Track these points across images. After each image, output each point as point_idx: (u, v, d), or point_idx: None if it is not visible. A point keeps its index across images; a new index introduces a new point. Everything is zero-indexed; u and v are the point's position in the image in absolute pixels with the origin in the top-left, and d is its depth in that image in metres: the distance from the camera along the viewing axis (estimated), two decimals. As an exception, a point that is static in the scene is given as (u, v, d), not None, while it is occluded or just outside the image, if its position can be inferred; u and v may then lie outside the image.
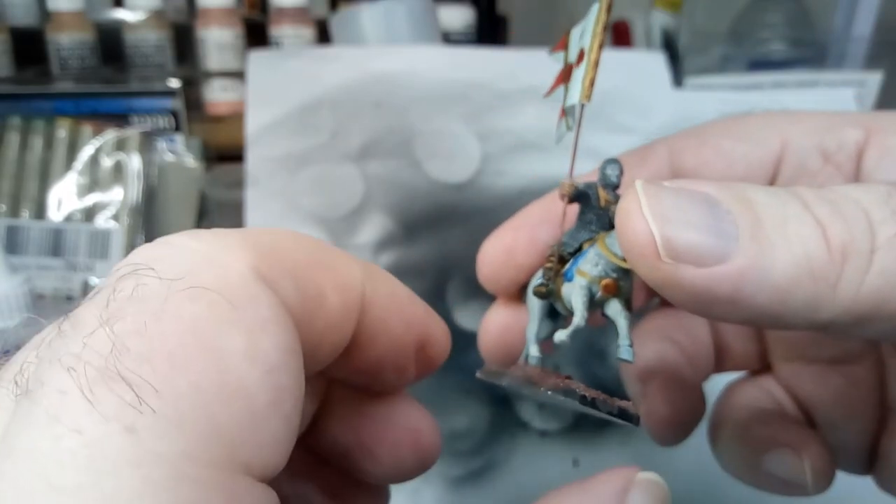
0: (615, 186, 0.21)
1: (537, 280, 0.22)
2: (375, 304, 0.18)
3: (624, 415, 0.19)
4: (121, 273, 0.14)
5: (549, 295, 0.21)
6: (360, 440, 0.21)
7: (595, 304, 0.20)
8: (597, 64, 0.19)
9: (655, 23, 0.81)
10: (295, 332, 0.15)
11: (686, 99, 0.53)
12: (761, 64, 0.72)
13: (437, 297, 0.47)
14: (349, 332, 0.17)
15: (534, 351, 0.21)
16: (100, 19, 0.76)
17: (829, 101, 0.55)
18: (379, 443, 0.21)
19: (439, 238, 0.47)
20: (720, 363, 0.28)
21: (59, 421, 0.12)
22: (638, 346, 0.21)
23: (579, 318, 0.20)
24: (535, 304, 0.22)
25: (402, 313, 0.19)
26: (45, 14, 0.73)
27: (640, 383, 0.26)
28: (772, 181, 0.24)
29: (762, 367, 0.28)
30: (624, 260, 0.19)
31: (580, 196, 0.21)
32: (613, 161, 0.22)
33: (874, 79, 0.60)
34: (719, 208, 0.16)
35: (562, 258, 0.21)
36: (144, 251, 0.15)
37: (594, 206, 0.21)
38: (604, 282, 0.20)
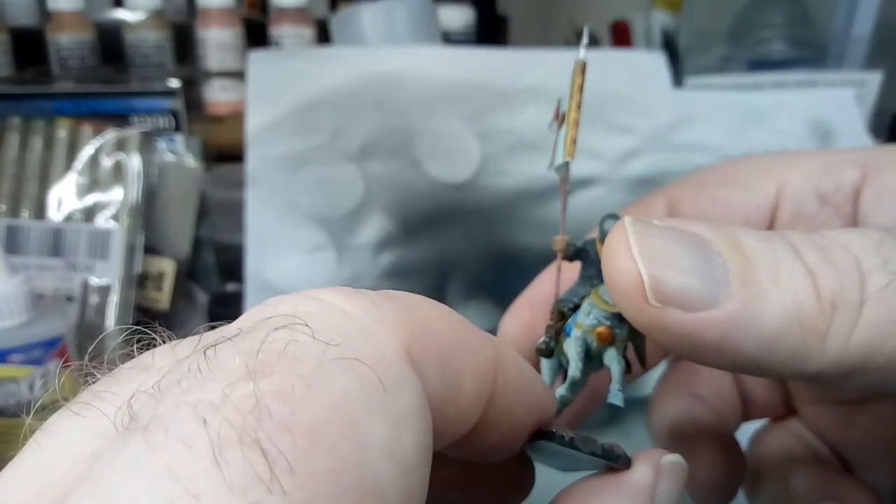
0: None
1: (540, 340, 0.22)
2: (503, 390, 0.17)
3: (609, 455, 0.18)
4: (274, 323, 0.13)
5: (552, 353, 0.21)
6: (465, 498, 0.20)
7: (592, 355, 0.20)
8: (576, 123, 0.20)
9: (655, 23, 0.81)
10: (431, 426, 0.13)
11: (686, 99, 0.53)
12: (761, 64, 0.72)
13: (436, 298, 0.47)
14: (476, 419, 0.16)
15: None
16: (100, 19, 0.76)
17: (829, 101, 0.55)
18: (485, 497, 0.20)
19: (439, 238, 0.47)
20: (746, 412, 0.27)
21: (175, 478, 0.10)
22: (662, 406, 0.22)
23: (573, 369, 0.20)
24: (544, 365, 0.22)
25: (526, 397, 0.18)
26: (45, 14, 0.73)
27: (675, 447, 0.25)
28: (769, 227, 0.24)
29: (787, 411, 0.27)
30: (607, 304, 0.20)
31: (579, 253, 0.22)
32: (613, 216, 0.21)
33: (874, 79, 0.60)
34: (710, 251, 0.16)
35: (562, 314, 0.21)
36: (293, 303, 0.14)
37: (594, 261, 0.21)
38: (597, 330, 0.20)
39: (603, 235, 0.21)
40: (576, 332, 0.20)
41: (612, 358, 0.20)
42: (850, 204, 0.23)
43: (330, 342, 0.12)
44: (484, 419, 0.16)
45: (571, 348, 0.20)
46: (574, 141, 0.20)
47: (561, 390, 0.20)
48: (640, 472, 0.17)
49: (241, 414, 0.11)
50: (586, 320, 0.20)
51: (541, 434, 0.18)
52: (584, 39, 0.20)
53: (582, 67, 0.20)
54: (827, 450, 0.26)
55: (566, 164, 0.20)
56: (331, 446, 0.11)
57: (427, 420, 0.13)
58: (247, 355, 0.12)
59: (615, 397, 0.20)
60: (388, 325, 0.14)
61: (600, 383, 0.24)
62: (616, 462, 0.18)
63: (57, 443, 0.12)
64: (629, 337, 0.20)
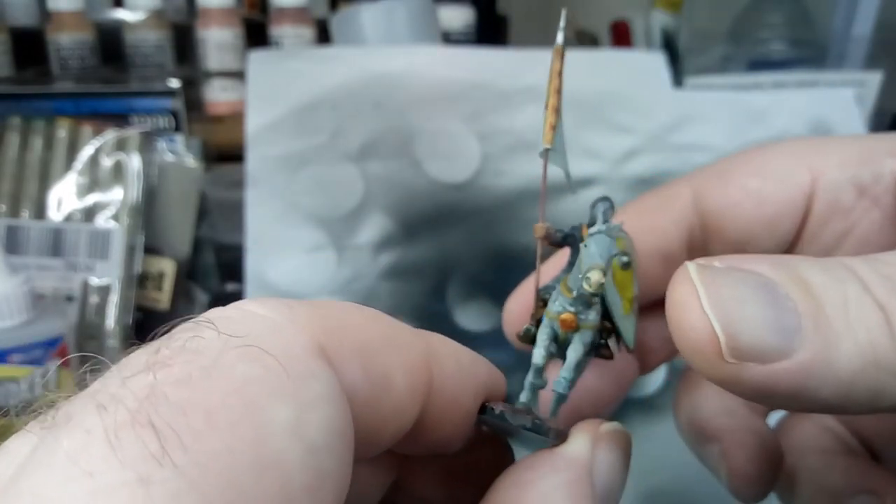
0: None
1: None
2: (442, 382, 0.17)
3: (538, 428, 0.18)
4: (184, 326, 0.14)
5: (533, 339, 0.21)
6: (448, 492, 0.20)
7: (560, 342, 0.20)
8: (555, 109, 0.19)
9: (655, 23, 0.81)
10: (348, 415, 0.14)
11: (686, 99, 0.53)
12: (761, 64, 0.72)
13: (437, 297, 0.47)
14: (414, 415, 0.16)
15: (523, 397, 0.21)
16: (100, 19, 0.76)
17: (829, 100, 0.55)
18: (466, 489, 0.20)
19: (439, 238, 0.47)
20: None
21: (75, 462, 0.11)
22: (691, 399, 0.22)
23: (535, 355, 0.20)
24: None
25: (470, 383, 0.18)
26: (45, 14, 0.73)
27: (711, 442, 0.24)
28: (803, 220, 0.23)
29: None
30: (571, 291, 0.20)
31: (566, 238, 0.22)
32: (604, 199, 0.21)
33: (874, 79, 0.60)
34: (778, 294, 0.15)
35: (544, 302, 0.21)
36: (212, 311, 0.14)
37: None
38: (561, 317, 0.20)
39: (593, 220, 0.21)
40: (545, 320, 0.21)
41: (574, 345, 0.20)
42: (890, 196, 0.22)
43: (235, 337, 0.13)
44: (429, 411, 0.17)
45: (539, 335, 0.20)
46: (553, 127, 0.20)
47: (529, 377, 0.20)
48: (576, 444, 0.17)
49: (138, 401, 0.12)
50: (553, 307, 0.20)
51: (481, 410, 0.19)
52: (562, 22, 0.20)
53: (560, 52, 0.20)
54: (856, 441, 0.26)
55: (546, 151, 0.20)
56: (228, 426, 0.12)
57: (340, 408, 0.14)
58: (150, 352, 0.13)
59: (560, 385, 0.20)
60: (299, 324, 0.14)
61: (627, 369, 0.24)
62: (546, 435, 0.18)
63: (4, 458, 0.13)
64: (601, 325, 0.21)
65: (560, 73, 0.20)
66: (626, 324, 0.21)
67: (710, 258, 0.16)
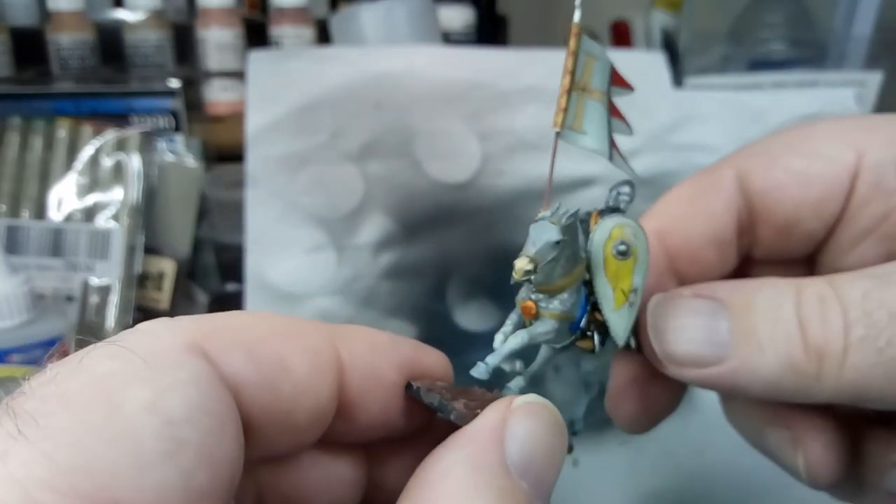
0: (622, 210, 0.22)
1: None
2: (353, 360, 0.19)
3: (443, 408, 0.18)
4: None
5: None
6: None
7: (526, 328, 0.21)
8: (567, 91, 0.19)
9: (655, 23, 0.81)
10: (221, 395, 0.16)
11: (686, 99, 0.53)
12: (761, 64, 0.72)
13: (437, 297, 0.47)
14: (327, 394, 0.18)
15: (475, 373, 0.21)
16: (100, 19, 0.76)
17: (829, 101, 0.55)
18: None
19: (439, 238, 0.47)
20: None
21: None
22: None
23: (496, 339, 0.21)
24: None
25: (385, 360, 0.19)
26: (45, 14, 0.73)
27: (777, 428, 0.24)
28: (847, 199, 0.23)
29: None
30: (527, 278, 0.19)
31: (568, 226, 0.20)
32: (625, 183, 0.22)
33: (874, 79, 0.60)
34: (720, 316, 0.20)
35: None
36: (120, 334, 0.16)
37: (580, 234, 0.21)
38: (523, 304, 0.20)
39: (608, 205, 0.22)
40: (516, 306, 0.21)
41: (517, 333, 0.21)
42: None
43: (107, 343, 0.15)
44: (348, 389, 0.18)
45: (508, 319, 0.21)
46: (563, 109, 0.19)
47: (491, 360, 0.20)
48: (482, 420, 0.18)
49: (10, 398, 0.14)
50: (520, 293, 0.21)
51: (407, 388, 0.19)
52: (578, 0, 0.19)
53: (576, 31, 0.19)
54: None
55: (557, 133, 0.20)
56: (81, 406, 0.14)
57: (208, 389, 0.15)
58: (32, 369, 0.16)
59: (477, 369, 0.20)
60: (175, 330, 0.16)
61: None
62: (447, 415, 0.18)
63: None
64: (591, 317, 0.21)
65: (575, 53, 0.19)
66: (617, 318, 0.21)
67: (680, 289, 0.22)
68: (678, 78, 0.56)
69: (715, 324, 0.20)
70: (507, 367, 0.21)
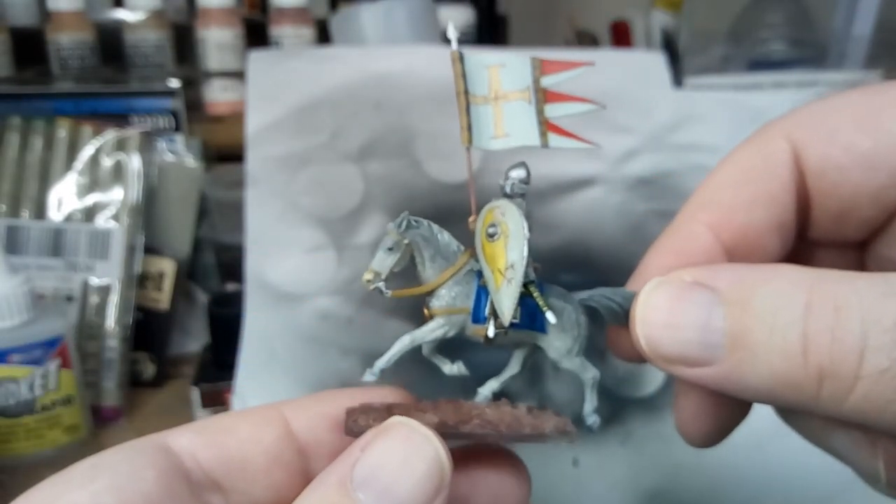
0: (520, 194, 0.22)
1: None
2: (301, 408, 0.22)
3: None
4: None
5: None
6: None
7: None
8: (464, 110, 0.21)
9: (655, 23, 0.81)
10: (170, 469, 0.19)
11: (686, 99, 0.53)
12: (761, 64, 0.72)
13: (437, 297, 0.47)
14: (274, 436, 0.21)
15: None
16: (100, 19, 0.76)
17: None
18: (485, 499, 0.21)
19: (439, 238, 0.47)
20: None
21: None
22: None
23: (403, 339, 0.22)
24: None
25: (332, 402, 0.22)
26: (45, 14, 0.73)
27: (848, 429, 0.20)
28: None
29: None
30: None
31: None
32: (520, 165, 0.22)
33: (874, 79, 0.60)
34: (714, 314, 0.18)
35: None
36: None
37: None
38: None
39: (503, 193, 0.22)
40: None
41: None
42: None
43: None
44: (302, 433, 0.21)
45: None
46: (464, 127, 0.21)
47: None
48: (363, 437, 0.19)
49: None
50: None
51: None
52: (451, 34, 0.22)
53: (453, 58, 0.21)
54: None
55: (467, 149, 0.21)
56: None
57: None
58: None
59: (365, 375, 0.22)
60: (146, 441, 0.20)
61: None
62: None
63: None
64: (459, 308, 0.22)
65: (462, 75, 0.21)
66: (499, 297, 0.21)
67: (680, 272, 0.19)
68: (678, 78, 0.56)
69: (709, 321, 0.18)
70: (447, 369, 0.23)
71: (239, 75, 0.71)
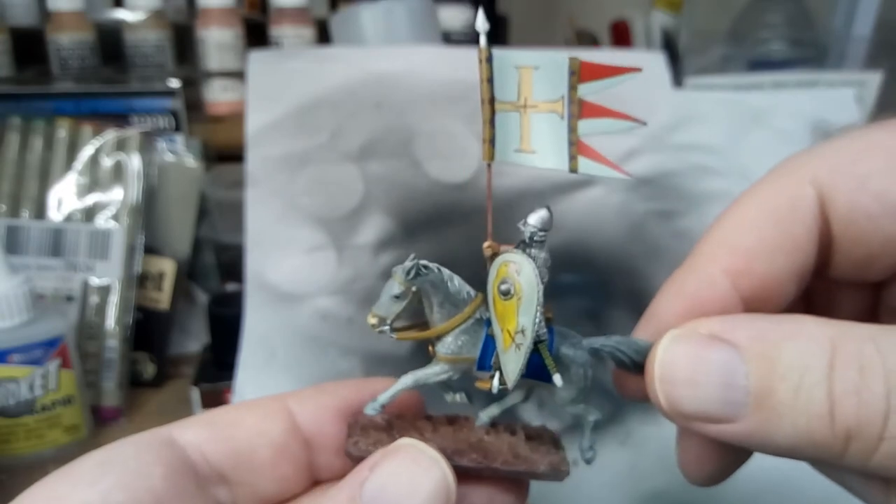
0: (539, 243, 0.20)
1: None
2: (305, 401, 0.23)
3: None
4: None
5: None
6: None
7: None
8: (488, 121, 0.19)
9: (655, 23, 0.81)
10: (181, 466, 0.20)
11: (686, 99, 0.53)
12: (761, 64, 0.72)
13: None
14: (280, 429, 0.22)
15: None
16: (100, 19, 0.76)
17: (829, 100, 0.55)
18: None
19: (439, 238, 0.47)
20: None
21: None
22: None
23: (405, 378, 0.22)
24: None
25: (334, 395, 0.23)
26: (45, 14, 0.73)
27: (883, 485, 0.19)
28: None
29: None
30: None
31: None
32: (539, 212, 0.20)
33: (874, 79, 0.60)
34: (737, 371, 0.18)
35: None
36: None
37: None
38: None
39: (521, 240, 0.21)
40: None
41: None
42: None
43: None
44: (306, 426, 0.22)
45: None
46: (485, 141, 0.19)
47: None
48: (368, 459, 0.19)
49: None
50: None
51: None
52: (480, 24, 0.19)
53: (483, 56, 0.19)
54: None
55: (488, 166, 0.20)
56: None
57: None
58: None
59: (366, 407, 0.21)
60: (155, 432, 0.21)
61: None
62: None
63: None
64: (464, 357, 0.21)
65: (489, 80, 0.19)
66: (506, 359, 0.20)
67: (695, 324, 0.19)
68: (678, 78, 0.56)
69: (731, 379, 0.18)
70: (449, 398, 0.22)
71: (239, 75, 0.71)
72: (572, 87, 0.19)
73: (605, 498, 0.42)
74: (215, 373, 0.46)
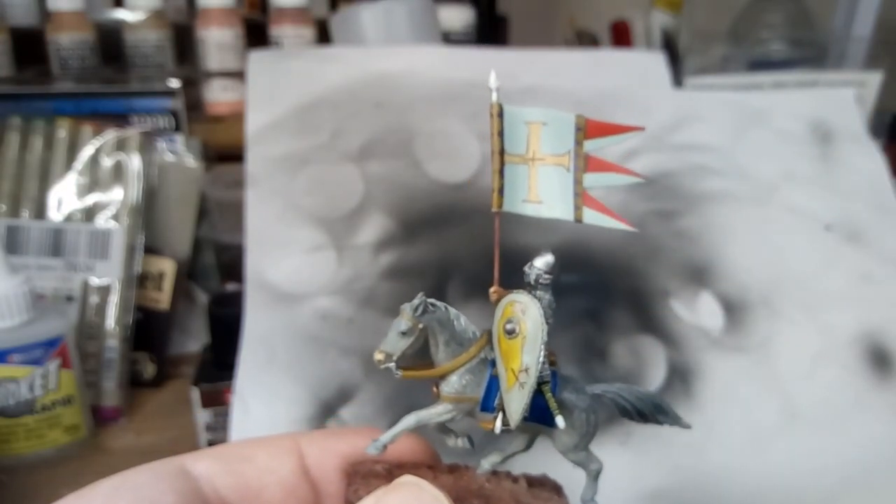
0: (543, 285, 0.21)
1: None
2: (315, 441, 0.23)
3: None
4: None
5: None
6: None
7: None
8: (497, 172, 0.20)
9: (655, 23, 0.81)
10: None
11: (686, 99, 0.53)
12: (761, 64, 0.72)
13: (436, 298, 0.47)
14: (289, 468, 0.22)
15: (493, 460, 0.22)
16: (100, 19, 0.76)
17: (829, 100, 0.55)
18: None
19: (439, 238, 0.47)
20: None
21: None
22: None
23: (408, 418, 0.22)
24: None
25: (343, 437, 0.23)
26: (45, 14, 0.73)
27: None
28: None
29: None
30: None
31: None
32: (545, 254, 0.21)
33: (874, 79, 0.60)
34: None
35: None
36: None
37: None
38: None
39: (526, 282, 0.21)
40: None
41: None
42: None
43: None
44: (314, 467, 0.22)
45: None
46: (494, 191, 0.20)
47: None
48: (366, 498, 0.19)
49: None
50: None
51: None
52: (492, 84, 0.20)
53: (494, 112, 0.20)
54: None
55: (496, 214, 0.21)
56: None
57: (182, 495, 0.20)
58: None
59: (368, 448, 0.21)
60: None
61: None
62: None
63: None
64: (467, 397, 0.21)
65: (500, 133, 0.20)
66: (509, 398, 0.20)
67: None
68: (678, 78, 0.56)
69: None
70: (451, 443, 0.22)
71: (239, 75, 0.71)
72: (578, 143, 0.20)
73: (606, 498, 0.42)
74: (215, 373, 0.46)
